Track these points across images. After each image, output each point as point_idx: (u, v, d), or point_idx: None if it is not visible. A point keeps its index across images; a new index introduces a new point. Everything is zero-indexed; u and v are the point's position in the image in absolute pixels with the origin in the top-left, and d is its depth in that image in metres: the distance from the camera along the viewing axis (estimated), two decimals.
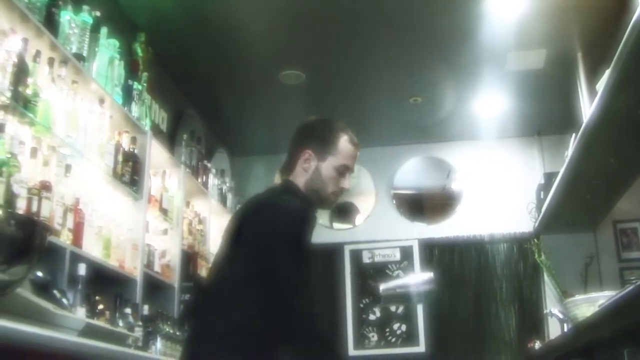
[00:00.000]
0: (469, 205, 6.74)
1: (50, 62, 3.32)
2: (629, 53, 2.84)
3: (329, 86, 5.80)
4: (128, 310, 3.65)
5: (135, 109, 4.25)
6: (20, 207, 2.92)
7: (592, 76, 3.92)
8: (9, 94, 2.91)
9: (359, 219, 6.92)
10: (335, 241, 6.70)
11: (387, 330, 6.50)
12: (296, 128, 2.65)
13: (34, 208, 3.02)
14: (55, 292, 2.87)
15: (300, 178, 2.50)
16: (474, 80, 5.64)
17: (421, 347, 6.37)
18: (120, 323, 3.51)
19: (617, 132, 3.63)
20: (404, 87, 5.80)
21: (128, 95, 4.20)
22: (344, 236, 6.82)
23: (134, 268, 4.05)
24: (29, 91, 3.07)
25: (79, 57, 3.56)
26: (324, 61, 5.39)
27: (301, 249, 2.25)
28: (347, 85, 5.76)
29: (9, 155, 2.90)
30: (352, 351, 6.39)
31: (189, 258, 5.07)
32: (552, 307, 5.20)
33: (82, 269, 3.22)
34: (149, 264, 4.34)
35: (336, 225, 6.88)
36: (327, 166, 2.48)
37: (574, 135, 4.20)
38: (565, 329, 4.22)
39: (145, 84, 4.48)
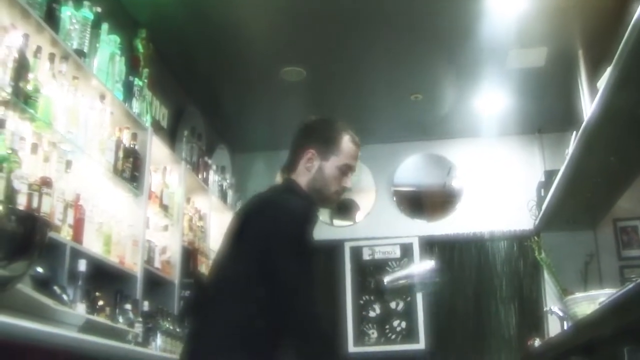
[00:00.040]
0: (470, 203, 6.74)
1: (51, 57, 3.32)
2: (630, 51, 2.84)
3: (330, 83, 5.80)
4: (128, 307, 3.65)
5: (136, 105, 4.25)
6: (21, 203, 2.92)
7: (593, 74, 3.92)
8: (9, 90, 2.91)
9: (359, 216, 6.92)
10: (336, 238, 6.70)
11: (387, 327, 6.50)
12: (298, 127, 2.65)
13: (35, 204, 3.02)
14: (55, 288, 2.87)
15: (303, 177, 2.51)
16: (474, 77, 5.64)
17: (421, 344, 6.37)
18: (121, 319, 3.51)
19: (618, 130, 3.62)
20: (404, 84, 5.80)
21: (129, 91, 4.20)
22: (344, 233, 6.82)
23: (134, 264, 4.05)
24: (29, 87, 3.06)
25: (80, 53, 3.56)
26: (324, 58, 5.39)
27: (304, 249, 2.25)
28: (347, 81, 5.76)
29: (10, 151, 2.90)
30: (352, 348, 6.40)
31: (190, 254, 5.07)
32: (552, 304, 5.20)
33: (82, 265, 3.22)
34: (149, 260, 4.34)
35: (336, 222, 6.88)
36: (330, 165, 2.49)
37: (574, 133, 4.19)
38: (565, 327, 4.22)
39: (146, 80, 4.48)
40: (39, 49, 3.22)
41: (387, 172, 6.94)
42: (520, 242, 6.41)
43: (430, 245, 6.68)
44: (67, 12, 3.48)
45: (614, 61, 3.05)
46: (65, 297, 2.93)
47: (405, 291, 2.71)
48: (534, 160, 6.52)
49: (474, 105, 6.18)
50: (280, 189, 2.55)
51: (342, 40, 5.12)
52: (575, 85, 4.62)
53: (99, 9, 3.76)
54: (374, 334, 6.49)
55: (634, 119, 3.38)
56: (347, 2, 4.67)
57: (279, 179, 2.60)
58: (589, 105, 3.95)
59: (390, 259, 6.70)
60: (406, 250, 6.70)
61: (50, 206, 3.15)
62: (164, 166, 4.81)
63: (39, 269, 2.69)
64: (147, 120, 4.41)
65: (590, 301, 3.17)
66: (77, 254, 3.30)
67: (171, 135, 5.31)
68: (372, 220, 6.86)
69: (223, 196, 6.05)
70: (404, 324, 6.46)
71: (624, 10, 2.96)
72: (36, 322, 1.87)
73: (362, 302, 6.62)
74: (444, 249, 6.65)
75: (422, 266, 2.75)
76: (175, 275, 4.69)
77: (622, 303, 1.92)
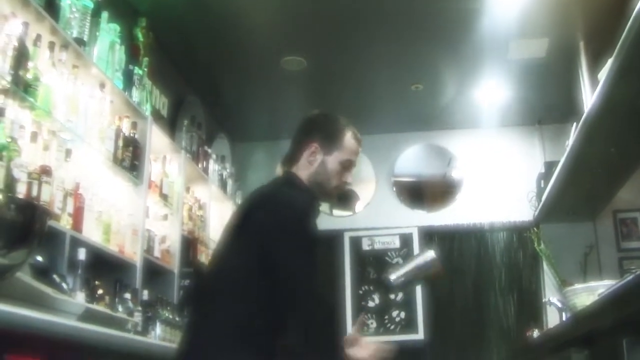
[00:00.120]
0: (469, 194, 6.74)
1: (51, 46, 3.31)
2: (632, 42, 2.83)
3: (330, 72, 5.79)
4: (127, 296, 3.65)
5: (135, 94, 4.24)
6: (21, 191, 2.92)
7: (594, 65, 3.91)
8: (9, 78, 2.91)
9: (359, 206, 6.92)
10: (335, 228, 6.70)
11: (386, 317, 6.52)
12: (300, 121, 2.65)
13: (34, 192, 3.02)
14: (54, 276, 2.87)
15: (304, 170, 2.51)
16: (475, 68, 5.63)
17: (420, 335, 6.38)
18: (120, 308, 3.51)
19: (619, 122, 3.62)
20: (405, 74, 5.79)
21: (129, 80, 4.19)
22: (344, 223, 6.82)
23: (133, 253, 4.05)
24: (29, 75, 3.06)
25: (80, 41, 3.55)
26: (325, 47, 5.38)
27: (306, 243, 2.25)
28: (348, 71, 5.75)
29: (9, 140, 2.90)
30: None
31: (189, 244, 5.08)
32: (551, 296, 5.21)
33: (81, 254, 3.23)
34: (148, 250, 4.34)
35: (336, 212, 6.88)
36: (333, 160, 2.50)
37: (575, 124, 4.19)
38: (564, 318, 4.23)
39: (146, 69, 4.47)
40: (38, 38, 3.21)
41: (387, 162, 6.93)
42: (520, 233, 6.41)
43: (430, 236, 6.69)
44: (67, 1, 3.47)
45: (615, 52, 3.05)
46: (64, 285, 2.93)
47: (412, 285, 2.70)
48: (534, 151, 6.52)
49: (474, 96, 6.18)
50: (281, 182, 2.55)
51: (343, 30, 5.10)
52: (576, 77, 4.62)
53: None
54: (373, 324, 6.50)
55: (635, 110, 3.38)
56: None
57: (279, 171, 2.61)
58: (589, 97, 3.95)
59: (389, 250, 6.70)
60: (406, 240, 6.70)
61: (50, 195, 3.15)
62: (164, 155, 4.81)
63: (39, 258, 2.69)
64: (147, 109, 4.40)
65: (590, 292, 3.17)
66: (76, 243, 3.30)
67: (171, 125, 5.31)
68: (372, 211, 6.86)
69: (223, 185, 6.05)
70: (403, 315, 6.47)
71: (626, 2, 2.95)
72: (36, 311, 1.87)
73: (361, 292, 6.63)
74: (444, 240, 6.66)
75: (424, 257, 2.74)
76: (174, 264, 4.70)
77: (621, 294, 1.92)
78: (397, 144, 6.96)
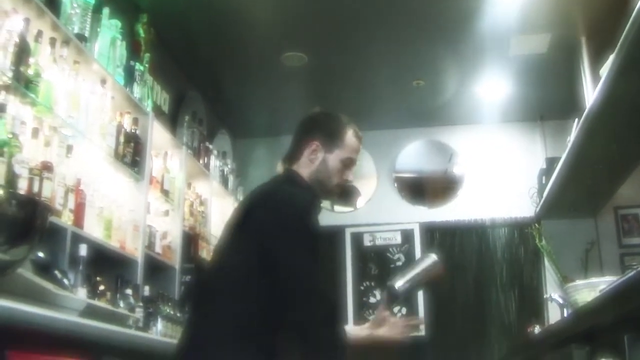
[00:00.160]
0: (471, 190, 6.74)
1: (52, 42, 3.31)
2: (633, 38, 2.83)
3: (332, 68, 5.78)
4: (129, 291, 3.66)
5: (137, 90, 4.25)
6: (22, 187, 2.92)
7: (596, 61, 3.90)
8: (10, 74, 2.91)
9: (360, 202, 6.92)
10: (336, 224, 6.70)
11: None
12: (302, 119, 2.65)
13: (36, 188, 3.03)
14: (56, 272, 2.88)
15: (305, 168, 2.51)
16: (477, 64, 5.62)
17: (421, 331, 6.38)
18: (121, 304, 3.51)
19: (620, 118, 3.62)
20: (407, 70, 5.79)
21: (130, 76, 4.19)
22: (345, 219, 6.83)
23: (135, 249, 4.05)
24: (30, 71, 3.06)
25: (81, 37, 3.55)
26: (326, 43, 5.38)
27: (308, 242, 2.25)
28: (349, 67, 5.74)
29: (11, 136, 2.90)
30: None
31: (190, 239, 5.08)
32: (552, 292, 5.21)
33: (83, 250, 3.23)
34: (150, 245, 4.34)
35: (337, 208, 6.88)
36: (334, 158, 2.50)
37: (576, 120, 4.19)
38: (565, 314, 4.23)
39: (147, 65, 4.48)
40: (40, 34, 3.21)
41: (388, 158, 6.93)
42: (521, 229, 6.41)
43: (431, 232, 6.69)
44: None
45: (616, 48, 3.04)
46: (66, 281, 2.94)
47: (416, 291, 2.71)
48: (535, 147, 6.51)
49: (476, 92, 6.17)
50: (282, 179, 2.55)
51: (344, 26, 5.10)
52: (578, 73, 4.62)
53: None
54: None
55: (636, 106, 3.38)
56: None
57: (280, 168, 2.61)
58: (591, 93, 3.94)
59: (391, 245, 6.71)
60: (407, 236, 6.71)
61: (51, 191, 3.16)
62: (165, 151, 4.81)
63: (40, 254, 2.69)
64: (148, 105, 4.40)
65: (591, 288, 3.16)
66: (78, 239, 3.31)
67: (172, 120, 5.31)
68: (373, 207, 6.86)
69: (224, 181, 6.05)
70: (404, 311, 6.46)
71: None
72: (37, 307, 1.87)
73: (362, 288, 6.63)
74: (445, 236, 6.66)
75: (427, 261, 2.74)
76: (176, 260, 4.70)
77: (622, 291, 1.92)
78: (399, 140, 6.96)
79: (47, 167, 3.13)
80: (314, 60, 5.58)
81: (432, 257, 2.74)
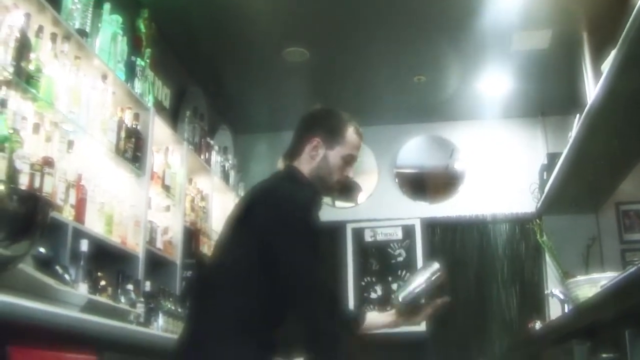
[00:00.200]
0: (472, 185, 6.74)
1: (53, 37, 3.31)
2: (635, 34, 2.82)
3: (333, 64, 5.78)
4: (130, 287, 3.66)
5: (138, 86, 4.24)
6: (23, 182, 2.92)
7: (598, 57, 3.90)
8: (11, 70, 2.91)
9: (361, 198, 6.92)
10: (338, 219, 6.70)
11: (389, 308, 6.50)
12: (302, 116, 2.65)
13: (37, 184, 3.03)
14: (57, 268, 2.88)
15: (306, 165, 2.51)
16: (478, 59, 5.62)
17: (422, 326, 6.37)
18: (122, 299, 3.52)
19: (622, 114, 3.61)
20: (408, 65, 5.78)
21: (131, 71, 4.19)
22: (346, 214, 6.83)
23: (136, 244, 4.06)
24: (31, 67, 3.06)
25: (82, 32, 3.55)
26: (328, 39, 5.37)
27: (309, 237, 2.25)
28: (351, 63, 5.74)
29: (12, 131, 2.90)
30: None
31: (191, 235, 5.08)
32: (553, 287, 5.21)
33: (84, 245, 3.23)
34: (151, 241, 4.35)
35: (338, 203, 6.88)
36: (335, 155, 2.50)
37: (577, 116, 4.18)
38: (566, 310, 4.23)
39: (148, 61, 4.47)
40: (40, 29, 3.21)
41: (389, 153, 6.93)
42: (522, 225, 6.41)
43: (432, 227, 6.69)
44: None
45: (618, 44, 3.04)
46: (67, 277, 2.94)
47: (419, 299, 2.71)
48: (536, 143, 6.51)
49: (477, 88, 6.17)
50: (282, 176, 2.55)
51: (345, 21, 5.09)
52: (579, 68, 4.61)
53: None
54: None
55: (638, 102, 3.37)
56: None
57: (281, 165, 2.61)
58: (592, 88, 3.94)
59: (392, 241, 6.71)
60: (408, 232, 6.70)
61: (52, 186, 3.16)
62: (166, 146, 4.81)
63: (41, 249, 2.69)
64: (149, 101, 4.40)
65: (592, 284, 3.17)
66: (79, 234, 3.31)
67: (173, 116, 5.30)
68: (374, 202, 6.86)
69: (225, 177, 6.05)
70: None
71: None
72: (38, 302, 1.87)
73: (363, 283, 6.63)
74: (446, 231, 6.66)
75: (428, 271, 2.75)
76: (177, 255, 4.70)
77: (623, 286, 1.92)
78: (400, 136, 6.95)
79: (48, 163, 3.13)
80: (316, 56, 5.57)
81: (435, 266, 2.76)
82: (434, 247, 6.58)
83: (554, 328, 3.41)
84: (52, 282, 2.30)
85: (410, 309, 2.71)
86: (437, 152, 6.94)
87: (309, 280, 2.20)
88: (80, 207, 3.46)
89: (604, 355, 2.18)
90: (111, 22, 3.92)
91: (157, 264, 4.43)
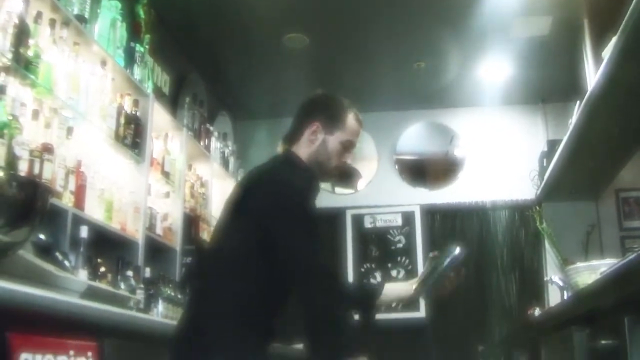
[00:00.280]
0: (472, 172, 6.74)
1: (52, 23, 3.30)
2: (636, 21, 2.81)
3: (333, 50, 5.76)
4: (130, 273, 3.67)
5: (137, 72, 4.24)
6: (22, 169, 2.92)
7: (598, 43, 3.88)
8: (10, 56, 2.90)
9: (361, 184, 6.92)
10: (337, 206, 6.71)
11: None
12: (303, 100, 2.65)
13: (36, 170, 3.03)
14: (57, 254, 2.88)
15: (305, 149, 2.51)
16: (478, 46, 5.60)
17: (421, 312, 6.40)
18: (122, 286, 3.52)
19: (622, 101, 3.60)
20: (408, 51, 5.77)
21: (130, 57, 4.18)
22: (346, 201, 6.83)
23: (135, 231, 4.06)
24: (30, 53, 3.05)
25: (81, 18, 3.54)
26: (327, 25, 5.35)
27: (307, 222, 2.25)
28: (351, 49, 5.72)
29: (11, 117, 2.90)
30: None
31: (191, 221, 5.08)
32: (552, 274, 5.21)
33: (84, 232, 3.23)
34: (150, 227, 4.35)
35: (338, 189, 6.88)
36: (334, 140, 2.51)
37: (578, 103, 4.17)
38: (565, 297, 4.23)
39: (147, 47, 4.46)
40: (39, 15, 3.20)
41: (389, 140, 6.92)
42: (522, 212, 6.42)
43: (432, 214, 6.70)
44: None
45: (619, 31, 3.02)
46: (67, 263, 2.94)
47: (441, 285, 2.72)
48: (536, 129, 6.50)
49: (477, 74, 6.16)
50: (280, 160, 2.55)
51: (345, 7, 5.08)
52: (580, 55, 4.59)
53: None
54: None
55: (639, 89, 3.36)
56: None
57: (280, 149, 2.61)
58: (593, 75, 3.92)
59: (391, 227, 6.71)
60: (408, 218, 6.71)
61: (52, 172, 3.16)
62: (166, 133, 4.81)
63: (41, 236, 2.69)
64: (148, 87, 4.39)
65: (592, 271, 3.17)
66: (78, 221, 3.31)
67: (173, 102, 5.30)
68: (374, 189, 6.86)
69: (225, 163, 6.05)
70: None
71: None
72: (38, 288, 1.87)
73: (363, 270, 6.64)
74: (446, 218, 6.67)
75: (451, 256, 2.77)
76: (176, 242, 4.71)
77: (623, 273, 1.92)
78: (400, 122, 6.94)
79: (47, 149, 3.13)
80: (315, 42, 5.56)
81: (457, 251, 2.77)
82: (433, 233, 6.59)
83: (553, 315, 3.42)
84: (51, 268, 2.29)
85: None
86: (437, 139, 6.93)
87: (308, 265, 2.21)
88: (79, 194, 3.46)
89: (603, 342, 2.18)
90: (110, 8, 3.91)
91: (156, 250, 4.43)
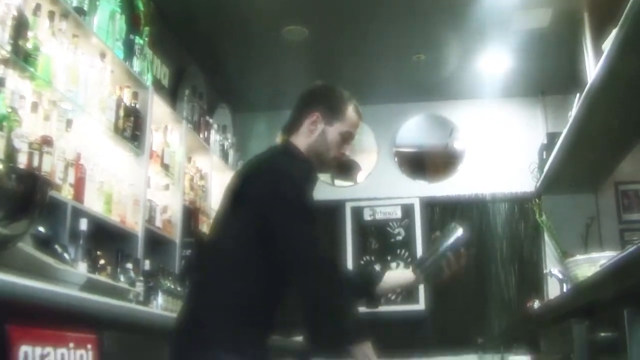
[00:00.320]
0: (471, 164, 6.74)
1: (51, 15, 3.29)
2: (637, 13, 2.80)
3: (332, 42, 5.75)
4: (129, 266, 3.67)
5: (136, 64, 4.23)
6: (21, 161, 2.92)
7: (598, 36, 3.87)
8: (9, 48, 2.90)
9: (360, 177, 6.92)
10: (337, 198, 6.70)
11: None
12: (303, 90, 2.65)
13: (35, 163, 3.02)
14: (56, 247, 2.88)
15: (304, 139, 2.51)
16: (478, 38, 5.59)
17: (421, 305, 6.41)
18: (122, 278, 3.52)
19: (622, 93, 3.60)
20: (407, 44, 5.76)
21: (129, 49, 4.17)
22: (345, 193, 6.83)
23: (135, 223, 4.06)
24: (29, 45, 3.05)
25: (80, 10, 3.53)
26: (327, 17, 5.34)
27: (305, 212, 2.25)
28: (350, 41, 5.71)
29: (10, 110, 2.89)
30: None
31: (191, 214, 5.09)
32: (551, 267, 5.21)
33: (83, 224, 3.23)
34: (150, 220, 4.35)
35: (337, 182, 6.88)
36: (334, 131, 2.51)
37: (578, 95, 4.17)
38: (565, 289, 4.24)
39: (146, 39, 4.45)
40: (38, 7, 3.19)
41: (389, 132, 6.91)
42: (522, 205, 6.42)
43: (432, 206, 6.70)
44: None
45: (619, 23, 3.02)
46: (66, 256, 2.94)
47: (442, 269, 2.67)
48: (536, 122, 6.49)
49: (477, 67, 6.15)
50: (279, 150, 2.56)
51: (345, 0, 5.06)
52: (580, 47, 4.58)
53: None
54: None
55: (639, 82, 3.36)
56: None
57: (279, 139, 2.61)
58: (593, 68, 3.92)
59: (391, 220, 6.71)
60: (407, 211, 6.71)
61: (51, 165, 3.15)
62: (165, 125, 4.80)
63: (40, 228, 2.69)
64: (147, 79, 4.39)
65: (591, 263, 3.17)
66: (78, 213, 3.31)
67: (172, 94, 5.29)
68: (374, 181, 6.86)
69: (224, 156, 6.05)
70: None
71: None
72: (37, 281, 1.87)
73: (362, 262, 6.64)
74: (445, 210, 6.67)
75: (452, 237, 2.75)
76: (176, 234, 4.71)
77: (623, 265, 1.92)
78: (399, 114, 6.94)
79: (46, 142, 3.13)
80: (315, 34, 5.55)
81: (459, 232, 2.75)
82: (433, 226, 6.58)
83: (553, 307, 3.42)
84: (51, 261, 2.29)
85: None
86: (436, 131, 6.93)
87: (307, 255, 2.21)
88: (79, 186, 3.46)
89: (603, 334, 2.18)
90: (109, 0, 3.90)
91: (156, 242, 4.43)
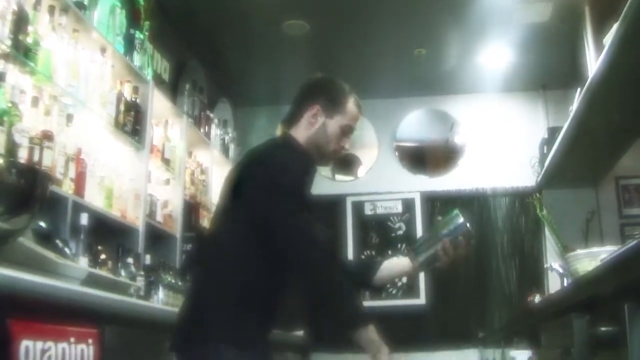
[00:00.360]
0: (472, 159, 6.74)
1: (51, 10, 3.29)
2: (638, 7, 2.80)
3: (333, 37, 5.75)
4: (130, 260, 3.67)
5: (137, 59, 4.23)
6: (22, 156, 2.92)
7: (600, 30, 3.87)
8: (9, 43, 2.89)
9: (361, 171, 6.92)
10: (337, 193, 6.70)
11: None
12: (304, 83, 2.65)
13: (36, 157, 3.02)
14: (57, 241, 2.88)
15: (304, 131, 2.50)
16: (479, 32, 5.59)
17: (421, 299, 6.42)
18: (123, 273, 3.52)
19: (623, 88, 3.59)
20: (408, 38, 5.75)
21: (130, 44, 4.17)
22: (346, 188, 6.83)
23: (136, 218, 4.06)
24: (29, 40, 3.04)
25: (80, 5, 3.53)
26: (328, 11, 5.34)
27: (302, 205, 2.25)
28: (350, 36, 5.71)
29: (10, 105, 2.89)
30: None
31: (191, 208, 5.09)
32: (552, 261, 5.22)
33: (84, 219, 3.23)
34: (151, 214, 4.35)
35: (338, 176, 6.88)
36: (334, 124, 2.50)
37: (579, 90, 4.16)
38: (565, 284, 4.24)
39: (147, 33, 4.45)
40: (38, 2, 3.19)
41: (389, 127, 6.91)
42: (522, 199, 6.41)
43: (432, 201, 6.70)
44: None
45: (620, 17, 3.01)
46: (67, 250, 2.94)
47: (438, 259, 2.64)
48: (537, 117, 6.49)
49: (478, 61, 6.14)
50: (278, 143, 2.56)
51: None
52: (581, 41, 4.57)
53: None
54: None
55: None
56: None
57: (279, 132, 2.61)
58: (594, 62, 3.91)
59: (392, 214, 6.72)
60: (408, 205, 6.71)
61: (52, 160, 3.15)
62: (166, 120, 4.80)
63: (41, 223, 2.69)
64: (148, 74, 4.38)
65: (592, 258, 3.16)
66: (78, 208, 3.31)
67: (173, 89, 5.29)
68: (374, 175, 6.86)
69: (225, 150, 6.05)
70: (404, 279, 6.48)
71: None
72: (38, 276, 1.87)
73: (363, 257, 6.64)
74: (446, 205, 6.65)
75: (452, 226, 2.74)
76: (177, 229, 4.71)
77: (623, 260, 1.92)
78: (400, 109, 6.94)
79: (47, 136, 3.13)
80: (315, 29, 5.54)
81: (459, 221, 2.74)
82: (433, 220, 6.58)
83: (553, 301, 3.42)
84: (52, 255, 2.30)
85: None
86: (437, 126, 6.93)
87: (305, 245, 2.20)
88: (79, 181, 3.46)
89: (603, 329, 2.18)
90: None
91: (157, 237, 4.44)
